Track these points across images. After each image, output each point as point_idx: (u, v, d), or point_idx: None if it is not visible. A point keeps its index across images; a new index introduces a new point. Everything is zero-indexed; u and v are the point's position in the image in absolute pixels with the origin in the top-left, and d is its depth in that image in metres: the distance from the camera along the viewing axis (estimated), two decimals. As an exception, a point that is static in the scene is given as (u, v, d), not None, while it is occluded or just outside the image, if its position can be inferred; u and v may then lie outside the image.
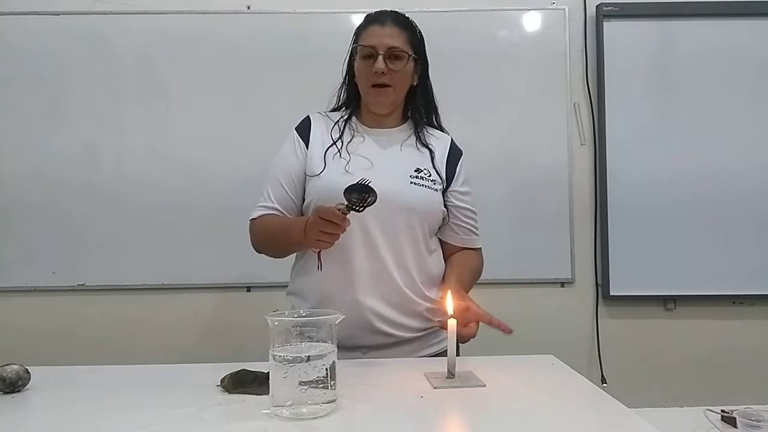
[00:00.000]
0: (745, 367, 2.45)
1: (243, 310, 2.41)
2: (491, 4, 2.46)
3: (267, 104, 2.40)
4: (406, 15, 1.45)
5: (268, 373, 0.94)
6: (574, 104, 2.48)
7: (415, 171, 1.40)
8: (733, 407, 1.21)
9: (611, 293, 2.43)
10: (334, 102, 1.53)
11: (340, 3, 2.41)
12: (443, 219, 1.45)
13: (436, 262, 1.45)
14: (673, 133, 2.46)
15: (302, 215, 1.43)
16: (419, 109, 1.50)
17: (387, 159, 1.42)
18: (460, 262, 1.47)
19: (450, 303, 1.17)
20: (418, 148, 1.45)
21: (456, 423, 0.98)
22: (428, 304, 1.41)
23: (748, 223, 2.43)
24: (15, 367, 1.08)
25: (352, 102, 1.50)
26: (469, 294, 1.39)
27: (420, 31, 1.46)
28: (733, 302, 2.47)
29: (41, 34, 2.40)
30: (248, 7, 2.44)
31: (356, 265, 1.34)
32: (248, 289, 2.42)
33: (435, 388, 1.07)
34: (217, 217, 2.36)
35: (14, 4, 2.41)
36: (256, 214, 1.43)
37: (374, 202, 1.20)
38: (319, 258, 1.29)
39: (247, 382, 1.05)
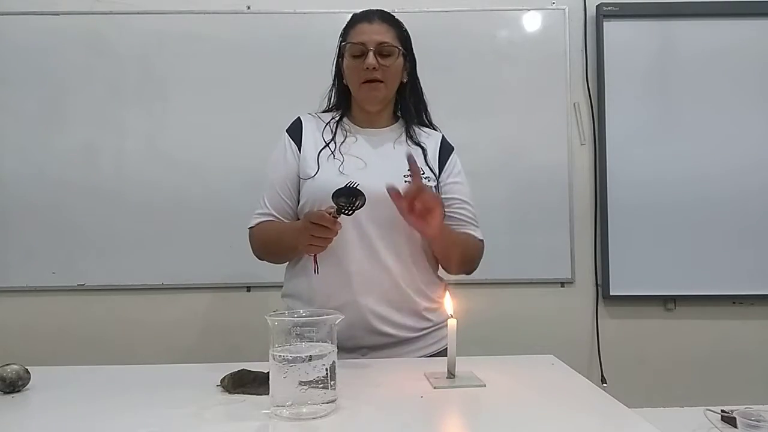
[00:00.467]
0: (745, 367, 2.45)
1: (243, 310, 2.41)
2: (491, 4, 2.46)
3: (267, 104, 2.40)
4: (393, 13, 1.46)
5: (268, 373, 0.94)
6: (574, 104, 2.48)
7: (409, 169, 1.40)
8: (733, 407, 1.21)
9: (611, 293, 2.43)
10: (325, 104, 1.54)
11: (340, 3, 2.40)
12: None
13: (433, 259, 1.45)
14: (673, 133, 2.46)
15: (298, 218, 1.43)
16: (409, 107, 1.50)
17: (380, 158, 1.42)
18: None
19: (449, 303, 1.17)
20: (410, 146, 1.45)
21: (456, 423, 0.98)
22: (427, 303, 1.41)
23: (748, 222, 2.43)
24: (15, 367, 1.08)
25: (343, 103, 1.51)
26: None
27: (406, 29, 1.47)
28: (733, 302, 2.47)
29: (41, 34, 2.40)
30: (248, 7, 2.44)
31: (353, 265, 1.33)
32: (248, 289, 2.42)
33: (435, 388, 1.07)
34: (217, 217, 2.36)
35: (14, 4, 2.41)
36: (253, 222, 1.44)
37: (363, 204, 1.21)
38: (315, 261, 1.29)
39: (247, 382, 1.05)
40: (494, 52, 2.46)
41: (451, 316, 1.13)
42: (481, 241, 1.48)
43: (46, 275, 2.39)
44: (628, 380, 2.42)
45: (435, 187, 1.43)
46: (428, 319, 1.41)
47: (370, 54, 1.37)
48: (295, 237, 1.28)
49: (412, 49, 1.48)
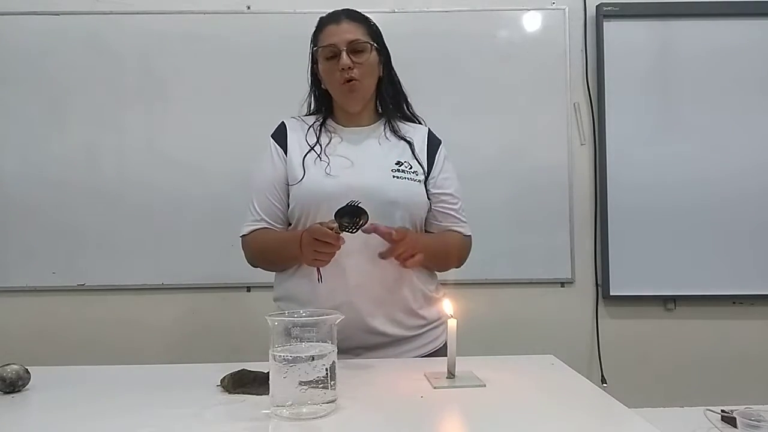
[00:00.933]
0: (745, 367, 2.45)
1: (243, 310, 2.41)
2: (491, 4, 2.46)
3: (267, 104, 2.38)
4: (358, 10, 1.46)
5: (268, 373, 0.94)
6: (574, 104, 2.48)
7: (396, 164, 1.40)
8: (733, 407, 1.21)
9: (611, 293, 2.43)
10: (305, 111, 1.54)
11: (340, 3, 2.39)
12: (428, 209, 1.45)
13: None
14: (673, 133, 2.46)
15: (290, 223, 1.44)
16: (388, 100, 1.50)
17: (366, 156, 1.42)
18: (435, 233, 1.46)
19: (449, 304, 1.17)
20: (396, 142, 1.45)
21: (456, 423, 0.98)
22: (422, 300, 1.41)
23: (748, 223, 2.43)
24: (15, 367, 1.08)
25: (324, 106, 1.51)
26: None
27: (374, 23, 1.46)
28: (733, 302, 2.47)
29: (41, 34, 2.40)
30: (248, 7, 2.44)
31: (347, 265, 1.33)
32: (248, 289, 2.42)
33: (435, 388, 1.07)
34: (217, 217, 2.36)
35: (14, 4, 2.41)
36: (246, 230, 1.44)
37: (366, 222, 1.21)
38: (319, 272, 1.29)
39: (247, 382, 1.05)
40: (494, 52, 2.46)
41: (451, 316, 1.13)
42: (468, 236, 1.49)
43: (46, 275, 2.39)
44: (628, 380, 2.42)
45: (423, 181, 1.42)
46: (423, 317, 1.41)
47: (343, 54, 1.37)
48: (299, 248, 1.27)
49: (384, 42, 1.47)
